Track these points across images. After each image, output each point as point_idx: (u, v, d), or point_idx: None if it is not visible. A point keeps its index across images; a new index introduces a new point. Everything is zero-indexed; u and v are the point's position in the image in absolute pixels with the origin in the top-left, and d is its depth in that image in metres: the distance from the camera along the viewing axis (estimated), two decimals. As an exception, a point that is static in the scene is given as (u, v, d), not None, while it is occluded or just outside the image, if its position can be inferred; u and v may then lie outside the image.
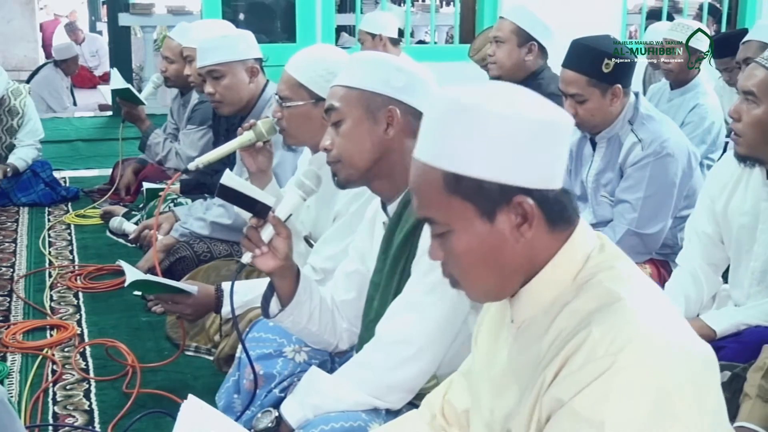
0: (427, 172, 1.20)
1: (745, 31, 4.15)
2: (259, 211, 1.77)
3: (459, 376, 1.50)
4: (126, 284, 2.43)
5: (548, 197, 1.18)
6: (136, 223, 3.95)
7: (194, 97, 4.12)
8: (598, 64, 2.66)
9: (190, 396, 1.61)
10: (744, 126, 2.04)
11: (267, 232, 1.75)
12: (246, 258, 1.76)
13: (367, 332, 1.84)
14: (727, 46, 4.08)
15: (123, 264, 2.54)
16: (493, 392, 1.32)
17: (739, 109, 2.05)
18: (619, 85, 2.68)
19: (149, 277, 2.50)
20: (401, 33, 5.07)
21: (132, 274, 2.42)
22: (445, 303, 1.68)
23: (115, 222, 4.06)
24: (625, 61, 2.70)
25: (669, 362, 1.10)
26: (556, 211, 1.20)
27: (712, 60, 4.18)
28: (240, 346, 2.03)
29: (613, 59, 2.65)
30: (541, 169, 1.18)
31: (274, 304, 1.87)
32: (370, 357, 1.72)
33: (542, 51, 3.58)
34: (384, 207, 1.89)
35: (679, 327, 1.16)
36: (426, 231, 1.71)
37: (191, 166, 2.78)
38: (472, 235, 1.19)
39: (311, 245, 2.48)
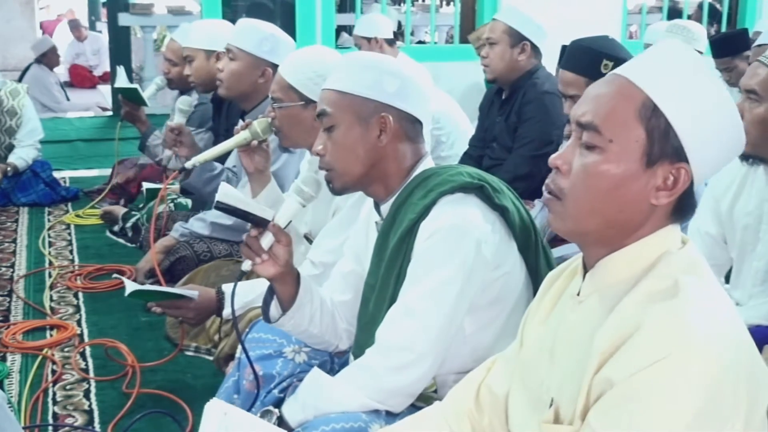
0: (627, 86, 1.19)
1: (745, 31, 4.15)
2: (259, 221, 1.76)
3: (501, 362, 1.49)
4: (126, 294, 2.43)
5: (696, 185, 1.20)
6: (135, 223, 3.95)
7: (194, 97, 4.11)
8: (597, 65, 2.66)
9: (214, 399, 1.57)
10: (747, 124, 2.02)
11: (267, 240, 1.74)
12: (246, 266, 1.75)
13: (362, 334, 1.84)
14: (727, 46, 4.07)
15: (123, 278, 2.55)
16: (548, 363, 1.31)
17: (741, 108, 2.04)
18: None
19: (148, 287, 2.49)
20: (397, 33, 5.09)
21: (131, 285, 2.43)
22: (444, 307, 1.67)
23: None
24: (624, 61, 2.68)
25: (728, 362, 1.09)
26: (688, 204, 1.21)
27: (713, 60, 4.17)
28: (240, 346, 2.03)
29: (612, 60, 2.64)
30: (716, 158, 1.21)
31: (275, 309, 1.86)
32: (371, 362, 1.71)
33: (535, 50, 3.57)
34: (377, 207, 1.88)
35: (740, 329, 1.17)
36: (421, 234, 1.71)
37: (188, 165, 2.79)
38: (620, 165, 1.17)
39: (311, 243, 2.49)
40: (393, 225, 1.79)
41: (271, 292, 1.85)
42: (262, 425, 1.58)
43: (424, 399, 1.74)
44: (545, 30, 3.59)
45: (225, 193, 1.79)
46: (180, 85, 4.17)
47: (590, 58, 2.67)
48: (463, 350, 1.75)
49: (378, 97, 1.78)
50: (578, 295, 1.28)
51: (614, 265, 1.22)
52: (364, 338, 1.80)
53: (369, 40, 4.77)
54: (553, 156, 1.24)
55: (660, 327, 1.10)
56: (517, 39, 3.54)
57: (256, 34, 3.12)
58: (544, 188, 1.26)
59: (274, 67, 3.13)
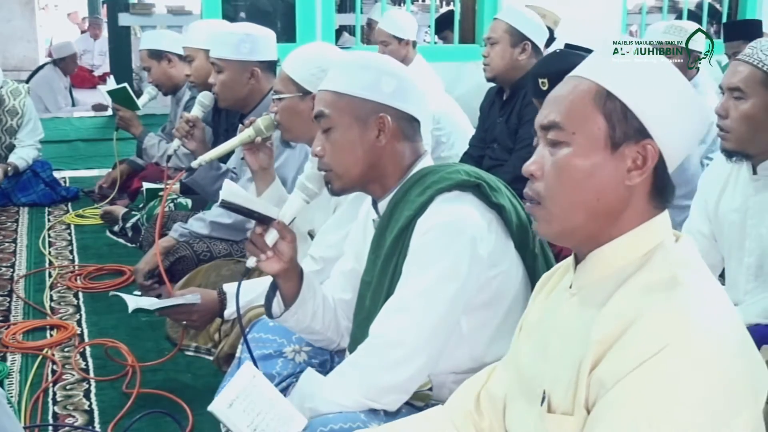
0: (579, 82, 1.25)
1: (759, 21, 4.21)
2: (264, 218, 1.76)
3: (501, 366, 1.50)
4: (130, 311, 2.43)
5: (669, 166, 1.23)
6: (135, 224, 3.95)
7: (186, 94, 4.14)
8: (538, 87, 2.85)
9: (248, 362, 1.71)
10: (732, 122, 2.10)
11: (271, 236, 1.75)
12: (251, 262, 1.76)
13: (358, 330, 1.84)
14: (741, 30, 4.12)
15: (122, 294, 2.53)
16: (541, 358, 1.31)
17: (726, 106, 2.11)
18: None
19: (151, 305, 2.47)
20: None
21: (132, 302, 2.43)
22: (437, 304, 1.67)
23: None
24: (558, 74, 2.79)
25: (730, 351, 1.09)
26: (665, 184, 1.23)
27: (723, 44, 4.22)
28: (240, 346, 2.03)
29: (545, 76, 2.80)
30: (682, 135, 1.23)
31: (277, 305, 1.86)
32: (363, 359, 1.70)
33: (536, 50, 3.58)
34: (374, 205, 1.89)
35: (739, 323, 1.16)
36: (418, 230, 1.71)
37: (194, 164, 2.80)
38: (588, 154, 1.21)
39: (314, 239, 2.49)
40: (390, 222, 1.79)
41: (273, 289, 1.85)
42: (281, 399, 1.65)
43: (420, 397, 1.74)
44: (546, 30, 3.60)
45: (230, 191, 1.77)
46: (167, 85, 4.25)
47: (533, 83, 2.87)
48: (460, 349, 1.75)
49: (376, 97, 1.78)
50: (570, 288, 1.29)
51: (605, 256, 1.23)
52: (360, 334, 1.79)
53: (400, 40, 4.55)
54: (525, 165, 1.27)
55: (657, 318, 1.10)
56: (517, 38, 3.56)
57: (232, 40, 3.13)
58: (525, 198, 1.29)
59: (261, 64, 3.16)
